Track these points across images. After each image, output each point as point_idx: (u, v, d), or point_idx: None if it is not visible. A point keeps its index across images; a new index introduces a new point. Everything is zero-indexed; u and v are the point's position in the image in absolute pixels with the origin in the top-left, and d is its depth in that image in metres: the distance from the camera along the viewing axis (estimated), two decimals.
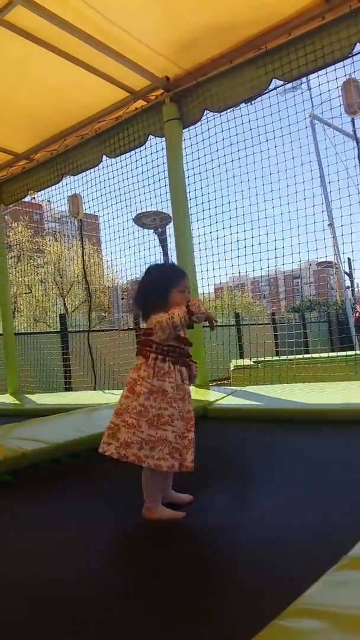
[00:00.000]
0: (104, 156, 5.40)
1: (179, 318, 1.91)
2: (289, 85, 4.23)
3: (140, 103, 4.98)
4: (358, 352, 6.96)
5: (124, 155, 5.38)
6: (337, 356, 5.80)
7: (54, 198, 6.99)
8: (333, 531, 1.53)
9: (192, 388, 4.67)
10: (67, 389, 7.63)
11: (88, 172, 5.95)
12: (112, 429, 1.98)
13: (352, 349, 8.29)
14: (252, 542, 1.58)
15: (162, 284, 2.08)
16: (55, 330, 10.87)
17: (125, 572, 1.47)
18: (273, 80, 4.06)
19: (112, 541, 1.75)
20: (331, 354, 6.43)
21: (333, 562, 1.03)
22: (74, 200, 5.93)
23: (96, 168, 5.74)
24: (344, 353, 5.96)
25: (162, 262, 2.26)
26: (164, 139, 4.90)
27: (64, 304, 21.55)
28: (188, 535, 1.74)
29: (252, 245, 4.98)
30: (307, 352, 7.37)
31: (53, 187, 6.12)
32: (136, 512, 1.92)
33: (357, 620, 0.86)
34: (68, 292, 22.10)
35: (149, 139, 5.05)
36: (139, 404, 1.94)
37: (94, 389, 6.29)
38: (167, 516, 1.92)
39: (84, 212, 6.30)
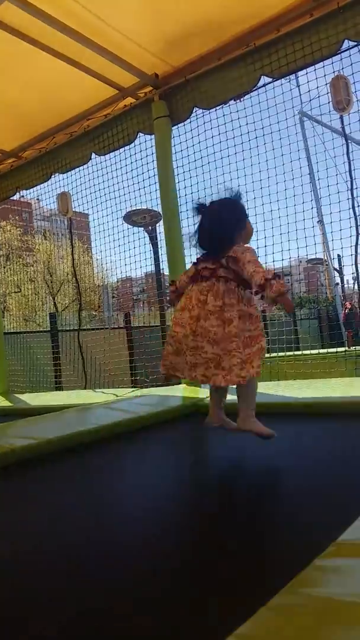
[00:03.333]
0: (93, 154, 5.38)
1: (258, 278, 1.98)
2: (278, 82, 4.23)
3: (129, 100, 4.97)
4: (348, 348, 6.99)
5: (113, 152, 5.36)
6: (328, 352, 5.83)
7: (43, 196, 6.94)
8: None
9: (181, 386, 4.68)
10: (58, 388, 7.60)
11: (77, 170, 5.93)
12: (214, 360, 2.07)
13: (343, 345, 8.33)
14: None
15: (241, 214, 2.25)
16: (45, 329, 10.83)
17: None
18: (262, 77, 4.07)
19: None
20: (321, 351, 6.46)
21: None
22: (63, 198, 5.90)
23: (85, 166, 5.73)
24: (334, 349, 6.00)
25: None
26: (153, 136, 4.89)
27: (54, 302, 21.46)
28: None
29: None
30: (298, 349, 7.40)
31: (42, 185, 6.09)
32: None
33: None
34: (58, 291, 22.02)
35: (138, 136, 5.04)
36: (230, 330, 2.05)
37: (85, 388, 6.27)
38: (265, 432, 2.15)
39: (74, 210, 6.27)
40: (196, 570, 1.26)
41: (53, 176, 5.83)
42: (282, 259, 4.71)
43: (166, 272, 5.36)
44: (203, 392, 3.99)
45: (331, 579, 0.98)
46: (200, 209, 2.30)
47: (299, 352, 6.53)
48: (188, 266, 4.83)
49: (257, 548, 1.35)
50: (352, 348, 6.73)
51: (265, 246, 4.75)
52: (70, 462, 2.60)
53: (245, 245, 2.18)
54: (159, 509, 1.78)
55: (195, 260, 2.29)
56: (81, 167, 5.77)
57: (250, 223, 2.34)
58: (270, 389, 3.64)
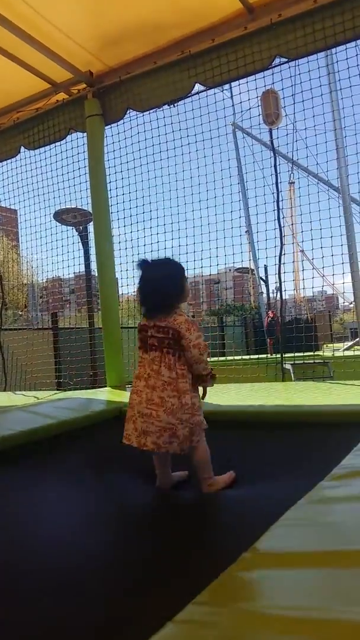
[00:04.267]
0: (23, 147, 5.20)
1: (200, 370, 2.16)
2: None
3: (62, 96, 4.86)
4: (270, 355, 7.20)
5: (44, 148, 5.22)
6: (250, 359, 5.96)
7: None
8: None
9: (106, 389, 4.60)
10: None
11: (5, 163, 5.72)
12: (171, 429, 2.08)
13: (265, 351, 8.57)
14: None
15: (181, 277, 2.26)
16: None
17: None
18: (196, 84, 4.10)
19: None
20: (244, 357, 6.60)
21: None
22: None
23: (14, 159, 5.53)
24: (256, 356, 6.14)
25: (147, 258, 2.30)
26: (85, 134, 4.80)
27: None
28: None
29: (172, 247, 5.01)
30: (224, 355, 7.51)
31: None
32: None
33: None
34: None
35: (70, 133, 4.93)
36: (186, 402, 2.10)
37: (5, 390, 6.03)
38: (228, 480, 2.15)
39: (1, 205, 6.04)
40: (104, 583, 1.22)
41: None
42: (210, 265, 4.77)
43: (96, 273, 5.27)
44: (127, 396, 3.94)
45: (241, 589, 0.98)
46: (141, 266, 2.29)
47: (223, 358, 6.64)
48: (117, 268, 4.83)
49: (167, 559, 1.33)
50: (273, 355, 6.93)
51: (195, 252, 4.80)
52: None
53: (187, 318, 2.21)
54: (78, 523, 1.72)
55: (140, 325, 2.28)
56: (9, 161, 5.57)
57: (187, 283, 2.37)
58: None
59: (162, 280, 2.22)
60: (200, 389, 2.26)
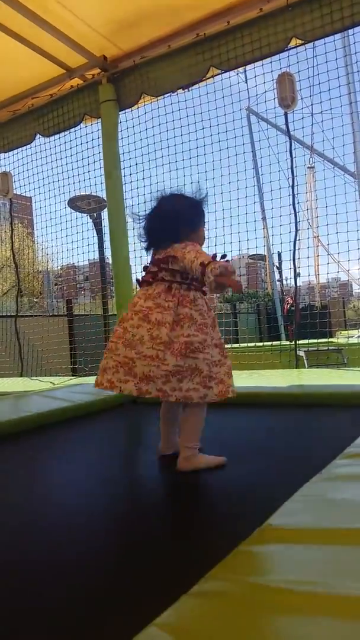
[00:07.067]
0: (38, 134, 5.21)
1: (196, 266, 1.73)
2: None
3: (77, 81, 4.84)
4: (285, 342, 7.19)
5: (58, 135, 5.22)
6: (263, 345, 5.96)
7: None
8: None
9: None
10: None
11: (20, 150, 5.73)
12: (127, 364, 1.80)
13: (279, 338, 8.54)
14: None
15: (198, 215, 2.00)
16: None
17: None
18: (211, 68, 4.06)
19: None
20: (258, 344, 6.61)
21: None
22: (4, 178, 5.68)
23: (29, 146, 5.54)
24: (269, 343, 6.14)
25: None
26: (99, 120, 4.79)
27: None
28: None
29: None
30: (237, 342, 7.52)
31: None
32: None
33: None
34: None
35: (84, 119, 4.92)
36: (161, 334, 1.78)
37: (21, 376, 6.10)
38: (212, 463, 1.87)
39: (16, 192, 6.06)
40: (120, 559, 1.25)
41: None
42: (225, 251, 4.74)
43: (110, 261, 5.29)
44: None
45: (255, 564, 1.00)
46: (158, 198, 2.05)
47: (237, 345, 6.65)
48: (131, 255, 4.84)
49: (182, 536, 1.35)
50: (290, 342, 6.92)
51: (208, 238, 4.77)
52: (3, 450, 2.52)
53: (188, 243, 1.90)
54: (89, 497, 1.75)
55: (143, 268, 2.07)
56: (24, 148, 5.58)
57: (204, 231, 2.09)
58: None
59: (168, 212, 1.98)
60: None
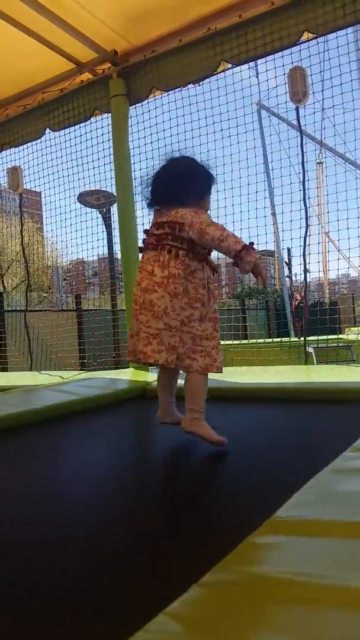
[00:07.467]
0: (48, 129, 5.22)
1: (231, 248, 1.75)
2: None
3: (87, 76, 4.85)
4: (294, 338, 7.17)
5: (68, 129, 5.22)
6: (273, 342, 5.95)
7: None
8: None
9: (129, 370, 4.65)
10: (2, 370, 7.41)
11: (30, 145, 5.74)
12: (158, 336, 1.84)
13: (287, 335, 8.52)
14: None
15: (208, 181, 1.99)
16: None
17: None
18: (222, 62, 4.04)
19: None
20: (267, 340, 6.59)
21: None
22: (14, 173, 5.70)
23: (39, 141, 5.55)
24: (278, 339, 6.12)
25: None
26: (109, 115, 4.79)
27: (2, 282, 20.83)
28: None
29: None
30: (246, 337, 7.51)
31: None
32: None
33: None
34: (7, 271, 21.37)
35: (94, 114, 4.92)
36: (175, 306, 1.85)
37: (30, 370, 6.14)
38: (213, 437, 1.91)
39: (26, 187, 6.07)
40: (130, 549, 1.26)
41: (4, 150, 5.62)
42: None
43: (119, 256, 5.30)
44: (151, 376, 3.99)
45: (265, 555, 1.00)
46: (169, 159, 2.06)
47: (246, 341, 6.64)
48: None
49: (192, 527, 1.36)
50: (299, 338, 6.90)
51: None
52: (12, 443, 2.54)
53: (193, 208, 1.90)
54: (100, 490, 1.76)
55: (144, 231, 2.07)
56: (34, 142, 5.59)
57: (209, 202, 2.10)
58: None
59: (179, 172, 1.98)
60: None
